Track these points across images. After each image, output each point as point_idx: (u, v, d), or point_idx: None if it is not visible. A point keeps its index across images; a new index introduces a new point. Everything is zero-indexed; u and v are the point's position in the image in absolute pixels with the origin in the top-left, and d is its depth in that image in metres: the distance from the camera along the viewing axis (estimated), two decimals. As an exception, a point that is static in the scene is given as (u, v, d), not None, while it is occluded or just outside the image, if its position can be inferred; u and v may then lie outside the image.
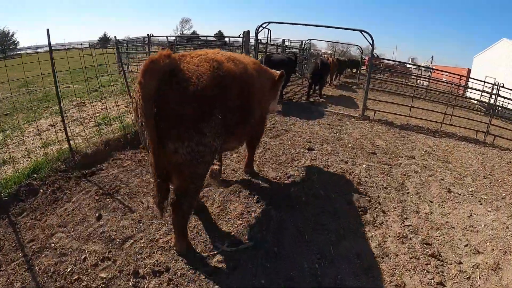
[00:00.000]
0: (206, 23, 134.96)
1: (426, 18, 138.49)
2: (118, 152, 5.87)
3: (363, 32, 9.04)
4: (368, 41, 9.10)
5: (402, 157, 6.91)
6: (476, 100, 18.02)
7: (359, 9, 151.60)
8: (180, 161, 2.81)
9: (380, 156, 6.72)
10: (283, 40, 16.21)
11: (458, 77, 23.50)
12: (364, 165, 6.08)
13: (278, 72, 4.77)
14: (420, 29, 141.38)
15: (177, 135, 2.71)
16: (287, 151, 6.36)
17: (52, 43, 5.00)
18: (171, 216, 3.24)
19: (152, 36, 13.60)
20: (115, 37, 9.49)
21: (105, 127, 6.96)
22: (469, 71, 30.95)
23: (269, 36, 12.69)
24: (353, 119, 9.66)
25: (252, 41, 10.63)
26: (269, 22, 10.15)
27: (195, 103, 2.72)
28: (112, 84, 9.24)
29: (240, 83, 3.28)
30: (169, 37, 16.96)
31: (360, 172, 5.74)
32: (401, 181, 5.65)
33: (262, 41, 11.81)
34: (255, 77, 3.79)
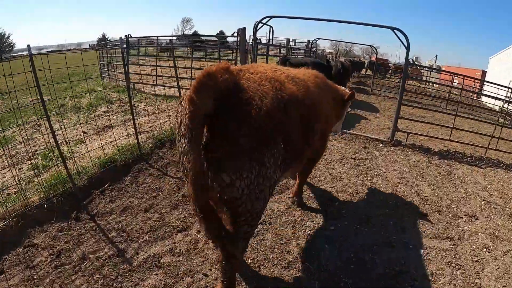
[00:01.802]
0: (208, 23, 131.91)
1: (428, 17, 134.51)
2: (38, 228, 3.79)
3: (395, 30, 6.80)
4: (402, 42, 6.84)
5: (461, 217, 4.76)
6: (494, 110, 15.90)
7: (359, 7, 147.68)
8: (235, 196, 2.27)
9: (435, 221, 4.54)
10: (288, 40, 13.79)
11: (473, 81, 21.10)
12: (421, 250, 3.87)
13: (347, 90, 4.37)
14: (422, 28, 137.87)
15: (235, 165, 2.20)
16: (298, 225, 4.12)
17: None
18: (219, 261, 2.68)
19: (131, 37, 11.28)
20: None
21: (42, 172, 4.90)
22: (483, 73, 28.35)
23: (271, 34, 10.33)
24: (381, 145, 7.46)
25: (249, 40, 8.36)
26: (271, 17, 7.83)
27: (258, 128, 2.26)
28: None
29: (301, 107, 2.84)
30: (156, 38, 14.40)
31: (416, 270, 3.54)
32: (476, 279, 3.50)
33: (263, 40, 9.53)
34: (317, 98, 3.29)
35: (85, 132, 7.03)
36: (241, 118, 2.22)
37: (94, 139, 6.21)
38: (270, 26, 10.10)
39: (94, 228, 3.83)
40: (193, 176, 2.07)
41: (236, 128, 2.19)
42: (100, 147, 5.42)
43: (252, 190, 2.33)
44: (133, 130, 5.49)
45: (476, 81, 22.42)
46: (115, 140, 5.67)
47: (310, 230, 4.03)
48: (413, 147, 7.52)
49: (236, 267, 2.79)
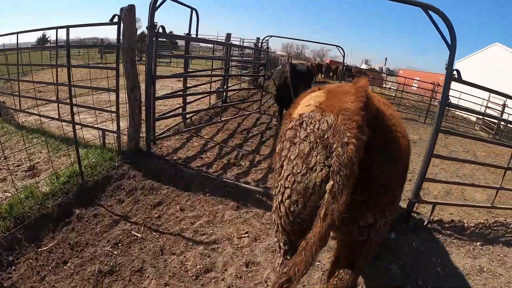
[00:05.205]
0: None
1: (376, 19, 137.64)
2: None
3: (429, 11, 3.42)
4: (440, 32, 3.52)
5: None
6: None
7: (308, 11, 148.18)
8: (372, 237, 2.10)
9: None
10: (228, 35, 9.92)
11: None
12: None
13: None
14: (373, 30, 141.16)
15: (382, 206, 2.04)
16: None
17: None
18: None
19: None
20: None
21: None
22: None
23: (194, 21, 6.31)
24: (392, 234, 4.04)
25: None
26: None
27: (405, 169, 2.22)
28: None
29: None
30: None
31: None
32: None
33: (172, 30, 5.64)
34: None
35: None
36: (393, 159, 2.01)
37: None
38: (193, 9, 6.13)
39: None
40: (334, 220, 1.64)
41: (389, 169, 1.99)
42: None
43: (384, 229, 2.15)
44: None
45: (438, 87, 20.24)
46: None
47: None
48: (442, 228, 4.38)
49: None
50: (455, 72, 3.44)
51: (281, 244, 2.16)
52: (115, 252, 3.14)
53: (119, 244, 3.25)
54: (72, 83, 3.99)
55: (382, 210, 2.04)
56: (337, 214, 1.62)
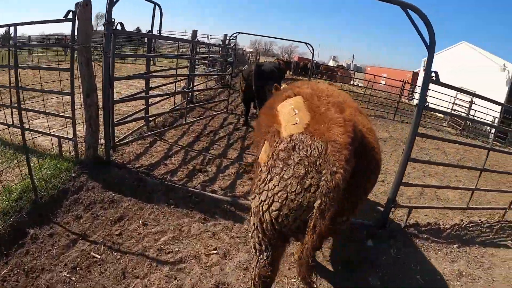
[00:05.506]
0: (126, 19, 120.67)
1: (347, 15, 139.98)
2: None
3: (408, 10, 3.23)
4: (418, 31, 3.36)
5: None
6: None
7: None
8: (343, 226, 2.60)
9: None
10: (195, 32, 9.54)
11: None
12: None
13: None
14: (340, 27, 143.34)
15: (355, 207, 2.43)
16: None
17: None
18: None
19: None
20: None
21: None
22: (414, 75, 27.12)
23: (157, 17, 5.94)
24: (370, 242, 3.87)
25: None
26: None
27: (377, 177, 2.53)
28: None
29: None
30: None
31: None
32: None
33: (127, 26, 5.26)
34: None
35: None
36: (371, 175, 2.37)
37: None
38: (156, 4, 5.75)
39: None
40: (322, 232, 1.92)
41: (368, 186, 2.41)
42: None
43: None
44: None
45: (406, 84, 20.60)
46: None
47: None
48: (419, 232, 4.28)
49: None
50: (433, 74, 3.29)
51: (257, 244, 2.31)
52: (73, 278, 2.78)
53: (77, 268, 2.88)
54: (20, 85, 3.54)
55: (355, 210, 2.43)
56: (323, 227, 1.86)
